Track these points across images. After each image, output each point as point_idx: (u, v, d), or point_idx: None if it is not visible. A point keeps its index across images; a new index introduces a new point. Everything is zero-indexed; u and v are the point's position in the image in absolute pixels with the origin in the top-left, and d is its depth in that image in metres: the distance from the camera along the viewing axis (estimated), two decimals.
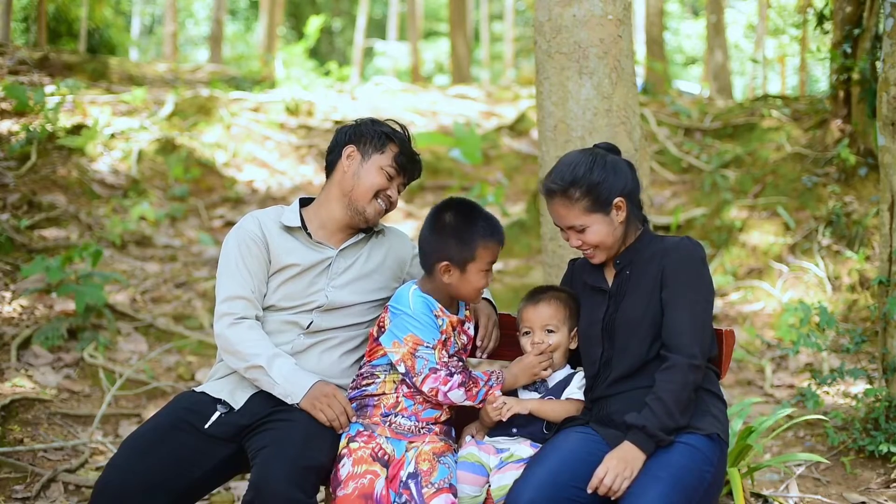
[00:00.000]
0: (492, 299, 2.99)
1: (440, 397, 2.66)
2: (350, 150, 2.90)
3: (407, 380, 2.70)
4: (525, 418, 2.71)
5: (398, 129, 2.97)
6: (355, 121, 2.97)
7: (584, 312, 2.78)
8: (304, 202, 3.02)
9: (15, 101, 8.70)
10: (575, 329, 2.78)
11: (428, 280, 2.76)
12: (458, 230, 2.69)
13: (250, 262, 2.83)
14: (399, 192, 2.95)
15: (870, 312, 5.35)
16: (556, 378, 2.78)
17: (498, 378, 2.71)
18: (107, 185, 8.34)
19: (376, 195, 2.88)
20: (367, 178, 2.87)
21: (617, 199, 2.63)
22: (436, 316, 2.70)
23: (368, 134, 2.91)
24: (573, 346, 2.79)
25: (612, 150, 2.76)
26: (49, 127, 8.42)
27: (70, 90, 9.96)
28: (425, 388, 2.65)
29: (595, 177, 2.62)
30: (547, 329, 2.76)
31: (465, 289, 2.73)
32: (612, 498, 2.46)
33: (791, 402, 4.57)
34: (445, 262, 2.69)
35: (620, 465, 2.45)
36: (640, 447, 2.48)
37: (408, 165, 2.94)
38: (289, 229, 2.90)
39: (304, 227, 2.90)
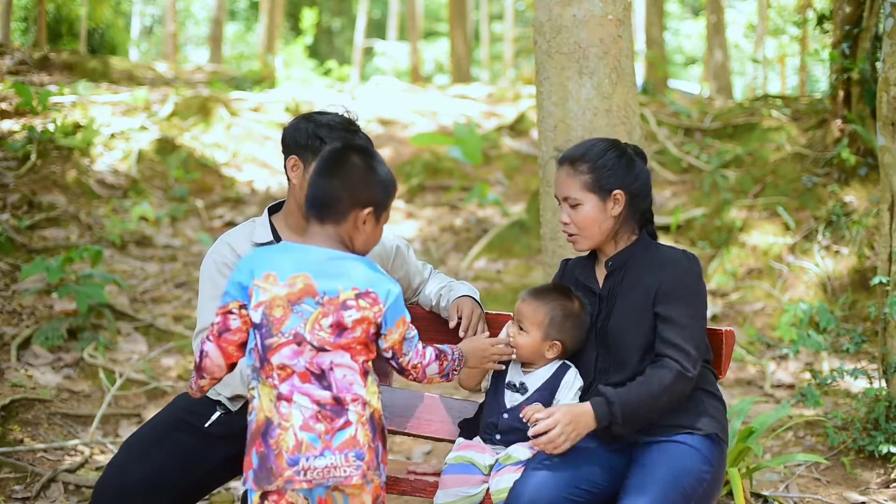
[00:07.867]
0: (475, 296, 2.91)
1: (419, 374, 2.38)
2: (292, 160, 2.75)
3: (393, 364, 2.35)
4: (508, 425, 2.64)
5: (333, 119, 2.77)
6: (291, 123, 2.78)
7: None
8: (274, 209, 2.90)
9: (18, 99, 8.70)
10: (556, 343, 2.65)
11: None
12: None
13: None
14: None
15: (870, 312, 5.35)
16: (540, 379, 2.67)
17: (461, 356, 2.50)
18: (107, 185, 8.34)
19: None
20: None
21: (617, 191, 2.64)
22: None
23: (302, 139, 2.73)
24: (550, 355, 2.67)
25: (640, 154, 2.76)
26: (51, 127, 8.42)
27: (74, 90, 9.95)
28: (410, 367, 2.36)
29: (606, 160, 2.65)
30: (518, 326, 2.67)
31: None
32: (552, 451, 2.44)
33: (791, 402, 4.57)
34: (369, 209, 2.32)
35: (570, 426, 2.42)
36: (597, 418, 2.46)
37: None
38: (262, 246, 2.74)
39: (277, 238, 2.79)
